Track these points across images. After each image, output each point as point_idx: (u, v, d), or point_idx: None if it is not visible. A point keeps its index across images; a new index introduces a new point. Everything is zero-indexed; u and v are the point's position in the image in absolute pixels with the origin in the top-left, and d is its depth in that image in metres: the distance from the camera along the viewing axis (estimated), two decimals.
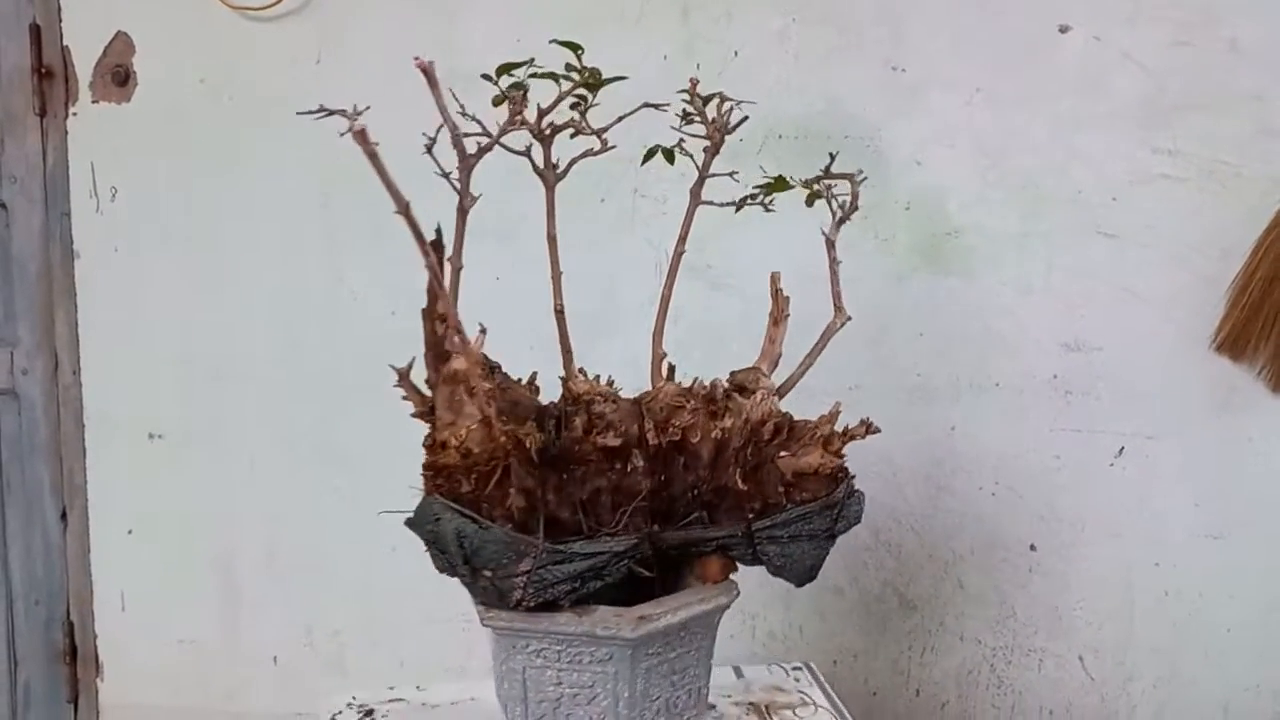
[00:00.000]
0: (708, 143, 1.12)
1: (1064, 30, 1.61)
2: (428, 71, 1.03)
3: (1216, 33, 1.57)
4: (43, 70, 1.85)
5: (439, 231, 1.18)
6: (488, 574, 1.03)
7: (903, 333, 1.69)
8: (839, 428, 1.11)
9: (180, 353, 1.87)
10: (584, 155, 1.08)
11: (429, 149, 1.03)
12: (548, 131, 1.07)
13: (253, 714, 1.92)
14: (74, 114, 1.86)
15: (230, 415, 1.87)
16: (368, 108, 0.97)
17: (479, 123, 1.02)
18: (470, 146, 1.02)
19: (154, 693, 1.95)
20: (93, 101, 1.85)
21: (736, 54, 1.68)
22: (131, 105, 1.84)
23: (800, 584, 1.14)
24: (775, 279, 1.21)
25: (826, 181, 1.17)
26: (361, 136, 0.97)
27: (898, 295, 1.68)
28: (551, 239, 1.13)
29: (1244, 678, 1.68)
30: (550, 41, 1.06)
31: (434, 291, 1.05)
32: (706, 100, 1.12)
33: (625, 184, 1.70)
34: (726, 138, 1.13)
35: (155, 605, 1.93)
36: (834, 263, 1.20)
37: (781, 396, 1.15)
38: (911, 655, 1.75)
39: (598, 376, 1.14)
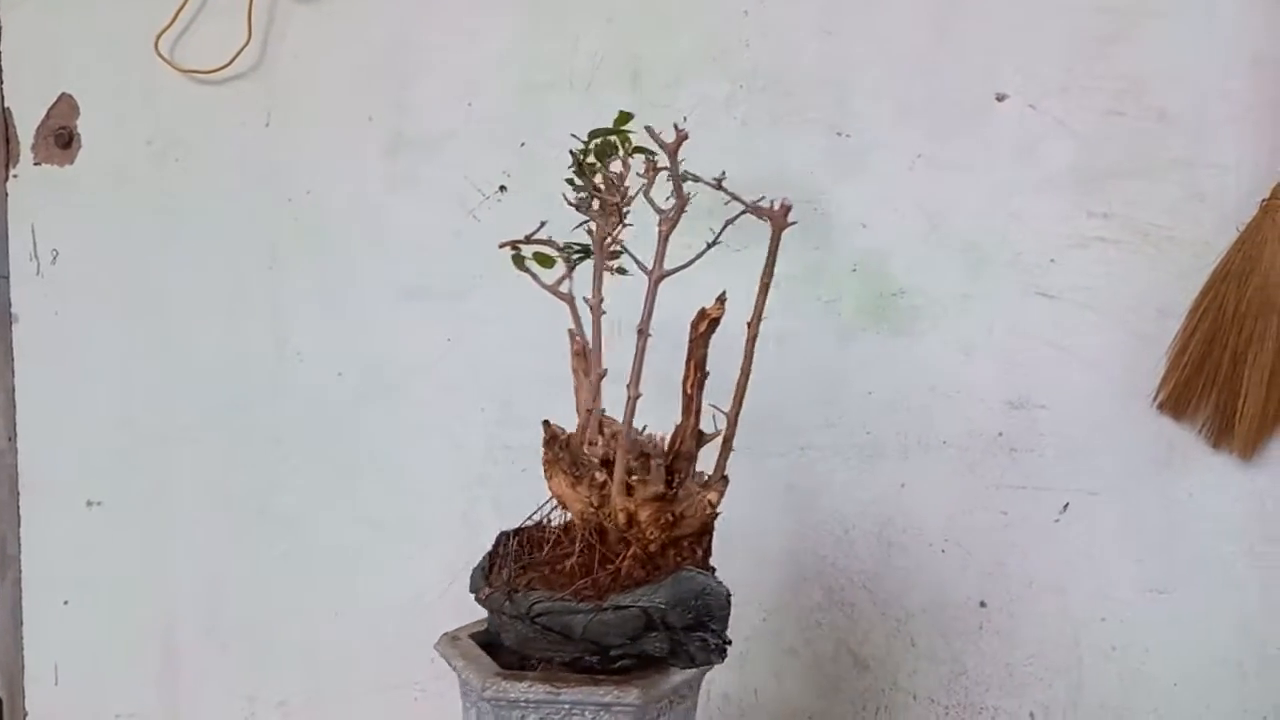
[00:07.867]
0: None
1: (1001, 99, 1.66)
2: None
3: (1146, 102, 1.63)
4: None
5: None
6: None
7: (851, 392, 1.70)
8: None
9: (120, 417, 1.83)
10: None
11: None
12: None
13: None
14: (14, 176, 1.83)
15: (171, 481, 1.83)
16: None
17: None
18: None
19: None
20: (34, 163, 1.83)
21: (685, 119, 1.70)
22: (75, 167, 1.82)
23: None
24: None
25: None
26: None
27: (845, 355, 1.70)
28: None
29: None
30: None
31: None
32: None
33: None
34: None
35: (91, 678, 1.87)
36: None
37: None
38: (865, 715, 1.74)
39: None
